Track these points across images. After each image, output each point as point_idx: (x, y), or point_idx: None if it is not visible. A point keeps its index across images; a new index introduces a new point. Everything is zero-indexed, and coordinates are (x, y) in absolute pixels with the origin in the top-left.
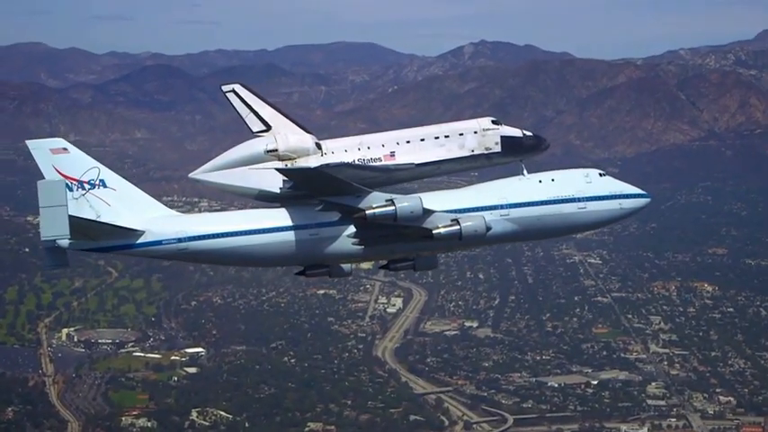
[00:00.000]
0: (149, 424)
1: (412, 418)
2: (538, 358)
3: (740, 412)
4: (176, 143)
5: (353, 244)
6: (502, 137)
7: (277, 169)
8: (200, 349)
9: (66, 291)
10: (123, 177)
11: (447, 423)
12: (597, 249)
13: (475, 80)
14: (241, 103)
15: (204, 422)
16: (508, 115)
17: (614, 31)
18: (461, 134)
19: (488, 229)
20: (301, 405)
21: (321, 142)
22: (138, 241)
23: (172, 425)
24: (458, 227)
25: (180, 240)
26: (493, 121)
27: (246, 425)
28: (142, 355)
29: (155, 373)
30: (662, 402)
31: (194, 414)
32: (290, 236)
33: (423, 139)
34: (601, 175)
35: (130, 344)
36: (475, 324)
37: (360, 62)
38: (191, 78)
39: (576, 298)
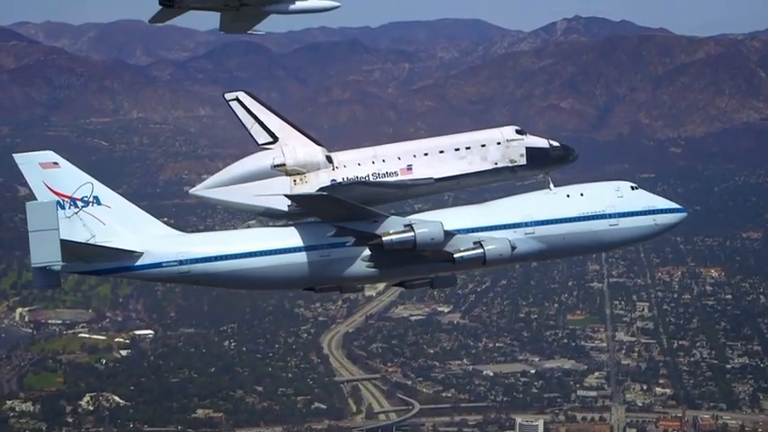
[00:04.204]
0: (32, 408)
1: (314, 405)
2: (490, 345)
3: (671, 405)
4: None
5: (368, 267)
6: (527, 148)
7: (285, 195)
8: (149, 331)
9: None
10: (173, 153)
11: (354, 411)
12: None
13: (550, 57)
14: (245, 112)
15: (89, 408)
16: (578, 92)
17: (716, 6)
18: (483, 145)
19: (513, 249)
20: (204, 391)
21: (332, 155)
22: (136, 263)
23: (55, 410)
24: (481, 250)
25: (181, 263)
26: (517, 131)
27: (131, 411)
28: (87, 336)
29: (88, 355)
30: (593, 393)
31: (86, 399)
32: (300, 257)
33: (442, 151)
34: (633, 188)
35: (81, 325)
36: (446, 309)
37: (462, 39)
38: (272, 55)
39: (570, 283)
